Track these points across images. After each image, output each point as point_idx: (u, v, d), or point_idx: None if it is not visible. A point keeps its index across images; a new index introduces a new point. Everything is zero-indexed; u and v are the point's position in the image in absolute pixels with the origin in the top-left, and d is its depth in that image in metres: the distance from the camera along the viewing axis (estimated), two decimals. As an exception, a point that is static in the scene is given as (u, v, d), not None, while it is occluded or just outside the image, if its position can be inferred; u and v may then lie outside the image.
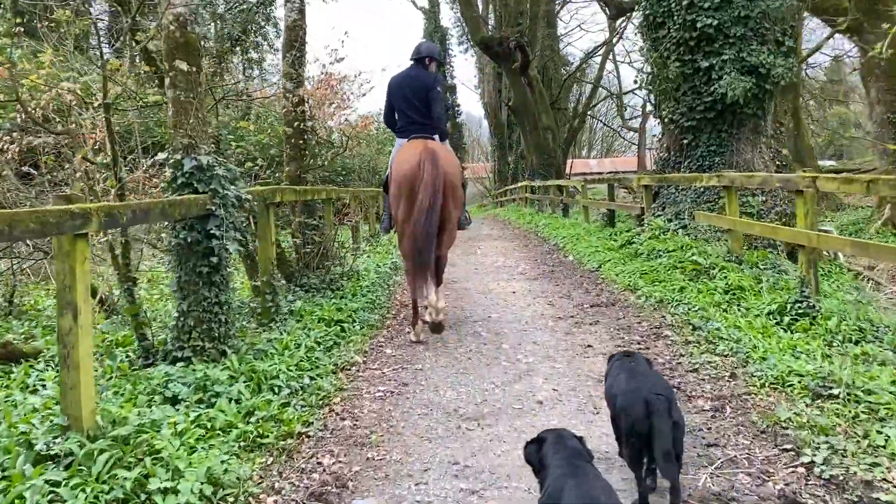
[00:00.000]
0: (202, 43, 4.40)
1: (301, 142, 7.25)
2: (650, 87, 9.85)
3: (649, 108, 34.69)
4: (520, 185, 24.19)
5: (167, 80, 4.17)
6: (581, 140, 46.10)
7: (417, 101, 5.71)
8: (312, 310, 5.81)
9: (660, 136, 10.62)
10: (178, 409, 3.50)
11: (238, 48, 23.48)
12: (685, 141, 9.42)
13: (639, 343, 5.28)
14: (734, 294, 6.18)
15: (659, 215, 9.33)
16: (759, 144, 9.06)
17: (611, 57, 33.52)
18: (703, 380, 4.42)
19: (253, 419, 3.53)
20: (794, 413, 3.65)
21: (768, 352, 4.61)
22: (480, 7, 27.90)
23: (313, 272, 6.83)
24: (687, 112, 9.24)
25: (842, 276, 8.15)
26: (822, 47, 19.43)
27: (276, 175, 8.44)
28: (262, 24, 24.92)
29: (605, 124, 48.71)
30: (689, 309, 5.94)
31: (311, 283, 6.65)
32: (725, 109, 8.87)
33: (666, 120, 9.70)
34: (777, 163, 9.19)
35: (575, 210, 16.44)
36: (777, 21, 8.74)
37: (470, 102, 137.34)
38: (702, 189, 8.99)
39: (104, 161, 5.13)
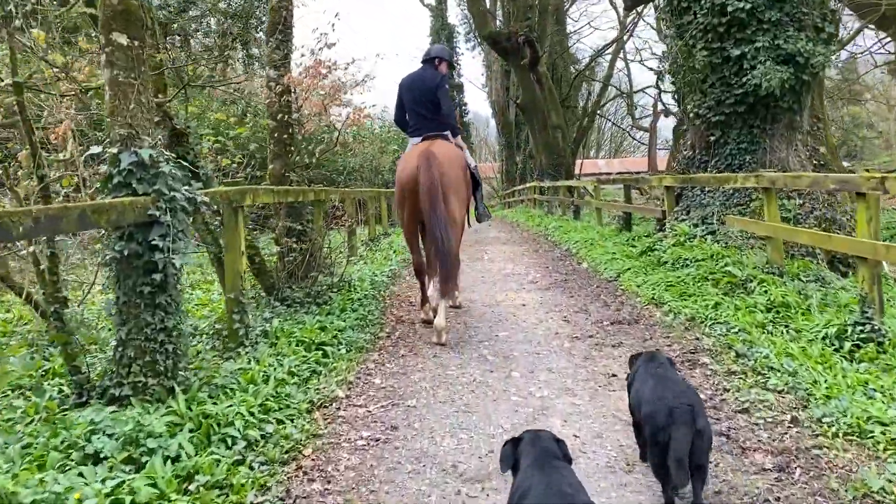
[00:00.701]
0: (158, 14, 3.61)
1: (286, 136, 6.47)
2: (673, 79, 8.99)
3: (660, 107, 33.84)
4: (528, 185, 23.45)
5: (103, 57, 3.40)
6: (589, 140, 45.16)
7: (427, 101, 5.95)
8: (291, 329, 5.01)
9: (683, 132, 9.75)
10: (97, 473, 2.73)
11: (238, 44, 22.79)
12: (712, 137, 8.56)
13: (673, 373, 4.47)
14: (778, 312, 5.38)
15: (683, 219, 8.48)
16: (795, 141, 8.20)
17: (621, 55, 32.69)
18: (757, 424, 3.62)
19: (192, 486, 2.75)
20: (888, 480, 2.85)
21: (834, 389, 3.82)
22: (488, 2, 27.12)
23: (297, 283, 6.05)
24: (715, 106, 8.38)
25: (890, 289, 7.27)
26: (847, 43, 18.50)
27: (261, 173, 7.66)
28: (263, 18, 24.20)
29: (614, 124, 47.77)
30: (727, 330, 5.14)
31: (295, 296, 5.85)
32: (758, 102, 8.01)
33: (691, 115, 8.84)
34: (814, 162, 8.33)
35: (586, 212, 15.62)
36: (815, 5, 7.89)
37: (477, 101, 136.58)
38: (731, 191, 8.15)
39: (60, 158, 4.40)
